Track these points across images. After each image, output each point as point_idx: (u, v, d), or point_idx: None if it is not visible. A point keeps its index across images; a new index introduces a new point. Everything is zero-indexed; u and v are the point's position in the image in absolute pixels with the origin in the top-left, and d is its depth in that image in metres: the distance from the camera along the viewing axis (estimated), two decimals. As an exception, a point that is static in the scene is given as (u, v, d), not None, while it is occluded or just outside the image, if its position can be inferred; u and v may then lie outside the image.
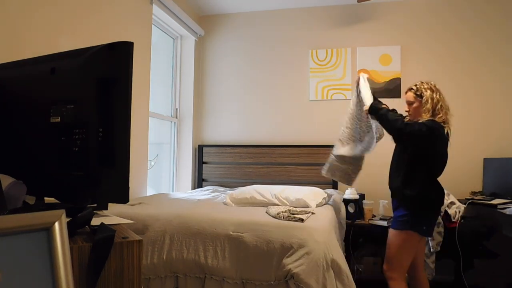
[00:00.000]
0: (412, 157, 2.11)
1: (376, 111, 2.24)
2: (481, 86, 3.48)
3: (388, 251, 2.19)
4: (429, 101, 2.10)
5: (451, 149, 3.39)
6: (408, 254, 2.13)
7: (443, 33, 3.57)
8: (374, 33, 3.71)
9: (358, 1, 3.33)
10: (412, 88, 2.20)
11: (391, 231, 2.19)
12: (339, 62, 3.75)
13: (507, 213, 2.52)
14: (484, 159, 3.36)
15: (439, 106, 2.09)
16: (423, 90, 2.14)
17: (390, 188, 2.25)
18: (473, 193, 3.22)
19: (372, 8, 3.72)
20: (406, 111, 2.24)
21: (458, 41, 3.54)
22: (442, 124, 2.07)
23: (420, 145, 2.07)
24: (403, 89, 3.60)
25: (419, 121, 2.07)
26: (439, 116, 2.07)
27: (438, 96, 2.12)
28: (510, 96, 3.42)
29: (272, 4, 3.85)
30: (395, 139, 2.17)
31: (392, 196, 2.25)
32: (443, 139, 2.08)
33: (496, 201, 2.74)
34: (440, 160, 2.13)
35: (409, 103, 2.21)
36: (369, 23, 3.73)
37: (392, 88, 3.60)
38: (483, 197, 2.98)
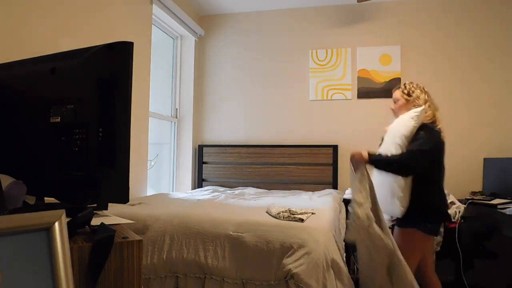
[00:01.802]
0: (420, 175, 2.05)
1: (375, 161, 2.09)
2: (481, 86, 3.48)
3: None
4: (418, 99, 2.17)
5: (451, 149, 3.38)
6: (413, 253, 2.05)
7: (443, 33, 3.57)
8: (374, 33, 3.71)
9: (358, 1, 3.33)
10: (400, 87, 2.29)
11: (395, 229, 2.17)
12: (339, 62, 3.75)
13: (507, 213, 2.52)
14: (484, 159, 3.36)
15: (426, 106, 2.14)
16: (412, 89, 2.22)
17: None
18: (473, 193, 3.22)
19: (372, 8, 3.72)
20: (391, 109, 2.32)
21: (457, 41, 3.54)
22: (432, 123, 2.10)
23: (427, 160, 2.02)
24: (403, 89, 3.60)
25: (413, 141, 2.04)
26: (427, 115, 2.11)
27: (426, 97, 2.19)
28: (510, 96, 3.42)
29: (272, 4, 3.86)
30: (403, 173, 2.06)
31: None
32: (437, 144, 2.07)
33: (496, 201, 2.74)
34: (438, 167, 2.11)
35: (395, 100, 2.28)
36: (369, 23, 3.73)
37: (392, 88, 3.59)
38: (483, 197, 2.98)
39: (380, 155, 2.12)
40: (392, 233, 2.15)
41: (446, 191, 2.36)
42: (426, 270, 2.21)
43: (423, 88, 2.23)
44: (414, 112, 2.09)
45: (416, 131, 2.07)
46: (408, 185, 2.05)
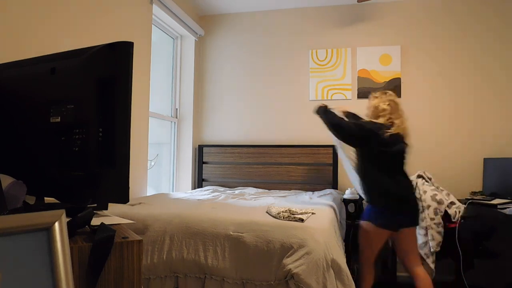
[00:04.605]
0: (360, 152, 2.34)
1: (323, 111, 2.41)
2: (481, 86, 3.48)
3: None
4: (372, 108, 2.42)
5: (452, 149, 3.43)
6: (369, 245, 2.29)
7: (442, 33, 3.57)
8: (374, 33, 3.71)
9: (358, 1, 3.33)
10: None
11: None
12: (339, 62, 3.75)
13: (507, 213, 2.52)
14: (484, 159, 3.36)
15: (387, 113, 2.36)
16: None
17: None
18: (473, 193, 3.22)
19: (372, 8, 3.72)
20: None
21: (458, 41, 3.54)
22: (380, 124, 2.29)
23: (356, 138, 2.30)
24: (403, 89, 3.61)
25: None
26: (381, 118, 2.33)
27: (384, 106, 2.36)
28: (510, 96, 3.42)
29: (272, 4, 3.86)
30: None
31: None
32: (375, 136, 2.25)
33: (496, 201, 2.74)
34: (384, 155, 2.26)
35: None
36: (369, 23, 3.73)
37: (392, 88, 3.59)
38: (483, 197, 2.98)
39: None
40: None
41: (445, 191, 2.43)
42: (412, 264, 2.30)
43: (379, 94, 2.45)
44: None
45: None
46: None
